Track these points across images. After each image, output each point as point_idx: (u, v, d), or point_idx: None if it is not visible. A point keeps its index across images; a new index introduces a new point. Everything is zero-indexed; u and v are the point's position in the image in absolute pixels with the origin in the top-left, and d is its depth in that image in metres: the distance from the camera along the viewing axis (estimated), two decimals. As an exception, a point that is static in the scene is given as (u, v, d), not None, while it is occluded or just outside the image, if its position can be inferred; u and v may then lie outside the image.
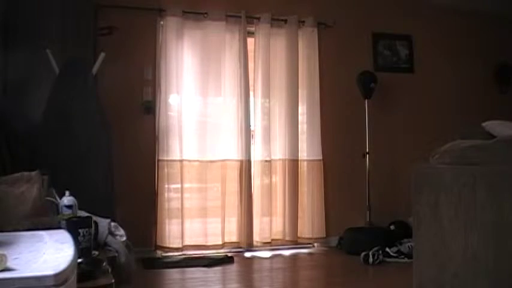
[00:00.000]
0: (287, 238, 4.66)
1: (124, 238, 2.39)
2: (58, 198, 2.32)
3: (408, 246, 4.04)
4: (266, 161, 4.70)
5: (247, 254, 4.50)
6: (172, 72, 4.45)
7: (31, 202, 2.05)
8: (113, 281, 1.75)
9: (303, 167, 4.78)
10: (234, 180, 4.59)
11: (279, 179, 4.77)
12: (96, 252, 2.06)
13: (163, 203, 4.40)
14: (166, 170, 4.42)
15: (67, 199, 2.24)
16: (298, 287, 3.64)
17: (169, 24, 4.46)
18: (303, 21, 4.84)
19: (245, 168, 4.57)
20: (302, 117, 4.83)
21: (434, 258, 2.31)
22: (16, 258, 1.17)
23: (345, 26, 4.94)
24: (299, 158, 4.75)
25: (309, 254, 4.63)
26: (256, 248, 4.58)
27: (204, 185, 4.60)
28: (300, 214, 4.70)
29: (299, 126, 4.78)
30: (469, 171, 2.16)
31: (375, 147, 4.80)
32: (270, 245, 4.61)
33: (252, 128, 4.70)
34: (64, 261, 1.16)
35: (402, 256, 4.14)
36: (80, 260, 1.57)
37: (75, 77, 3.53)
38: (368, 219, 4.75)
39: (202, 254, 4.39)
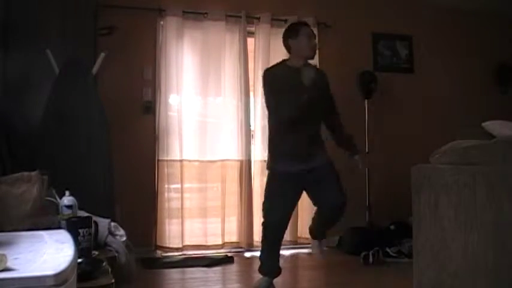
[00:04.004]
0: (287, 238, 4.65)
1: (124, 238, 2.39)
2: (58, 198, 2.32)
3: (408, 246, 4.04)
4: (266, 161, 4.69)
5: (247, 254, 4.50)
6: (172, 72, 4.45)
7: (31, 202, 2.05)
8: (113, 281, 1.75)
9: (303, 167, 4.77)
10: (234, 180, 4.59)
11: (279, 179, 4.76)
12: (96, 252, 2.06)
13: (163, 203, 4.40)
14: (166, 170, 4.43)
15: (67, 199, 2.24)
16: (298, 287, 3.64)
17: (169, 24, 4.46)
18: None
19: (245, 168, 4.57)
20: (302, 117, 4.82)
21: (434, 258, 2.31)
22: (16, 258, 1.17)
23: (345, 26, 4.94)
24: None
25: (309, 254, 4.62)
26: (256, 248, 4.56)
27: (204, 185, 4.60)
28: (300, 214, 4.70)
29: (299, 126, 4.77)
30: (469, 171, 2.16)
31: (375, 147, 4.80)
32: (270, 245, 4.61)
33: (252, 128, 4.70)
34: (64, 261, 1.16)
35: (402, 256, 4.14)
36: (80, 260, 1.57)
37: (75, 77, 3.53)
38: (368, 219, 4.75)
39: (202, 254, 4.39)
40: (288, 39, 3.24)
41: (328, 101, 3.35)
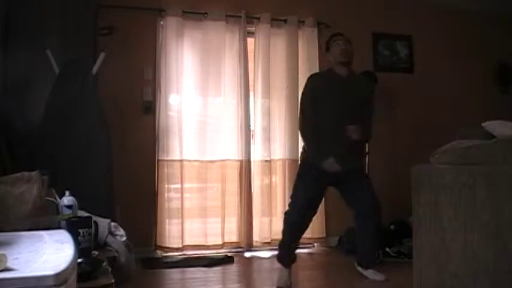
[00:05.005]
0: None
1: (124, 238, 2.39)
2: (58, 198, 2.32)
3: (408, 246, 4.04)
4: (266, 161, 4.70)
5: (247, 254, 4.50)
6: (172, 72, 4.46)
7: (31, 202, 2.05)
8: (113, 281, 1.75)
9: (303, 167, 4.77)
10: (234, 180, 4.59)
11: (279, 179, 4.77)
12: (96, 252, 2.06)
13: (163, 203, 4.40)
14: (166, 170, 4.43)
15: (67, 199, 2.24)
16: (298, 287, 3.63)
17: (169, 24, 4.46)
18: (303, 21, 4.84)
19: (245, 168, 4.57)
20: (302, 117, 4.82)
21: (434, 258, 2.31)
22: (16, 258, 1.17)
23: (345, 26, 4.91)
24: (299, 158, 4.74)
25: (309, 254, 4.63)
26: (256, 248, 4.58)
27: (204, 185, 4.60)
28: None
29: (299, 126, 4.78)
30: (469, 171, 2.16)
31: (375, 147, 4.80)
32: (270, 245, 4.60)
33: (252, 128, 4.70)
34: (64, 261, 1.16)
35: (402, 256, 4.14)
36: (80, 260, 1.57)
37: (75, 77, 3.53)
38: (368, 219, 4.74)
39: (202, 254, 4.40)
40: (327, 53, 3.64)
41: (368, 108, 3.59)
